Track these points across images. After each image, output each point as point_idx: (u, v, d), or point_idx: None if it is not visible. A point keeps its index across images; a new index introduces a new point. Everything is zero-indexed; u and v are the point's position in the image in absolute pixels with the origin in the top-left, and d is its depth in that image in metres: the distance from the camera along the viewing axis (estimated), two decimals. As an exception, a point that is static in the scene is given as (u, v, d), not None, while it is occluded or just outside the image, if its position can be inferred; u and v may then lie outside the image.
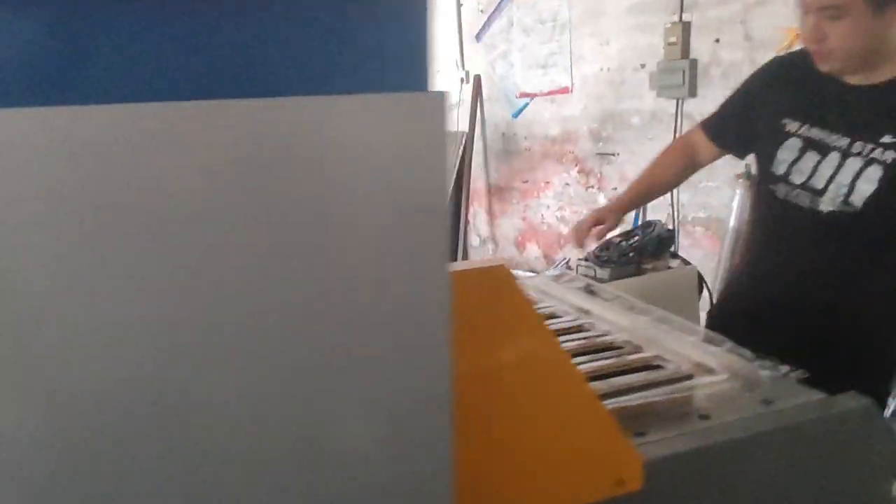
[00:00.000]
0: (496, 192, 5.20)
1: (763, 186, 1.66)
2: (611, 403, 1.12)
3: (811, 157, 1.55)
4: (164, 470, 0.64)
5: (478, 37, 5.04)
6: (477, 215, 5.45)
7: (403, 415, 0.76)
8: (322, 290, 0.69)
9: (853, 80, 1.53)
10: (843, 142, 1.52)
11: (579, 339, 1.39)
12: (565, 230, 4.57)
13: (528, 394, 0.93)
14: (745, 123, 1.73)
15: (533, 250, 5.05)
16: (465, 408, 0.88)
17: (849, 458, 1.17)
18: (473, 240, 5.58)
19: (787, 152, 1.58)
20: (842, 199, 1.50)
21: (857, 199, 1.49)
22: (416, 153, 0.72)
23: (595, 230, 1.82)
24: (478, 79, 5.09)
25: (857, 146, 1.51)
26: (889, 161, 1.44)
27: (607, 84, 4.03)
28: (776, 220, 1.62)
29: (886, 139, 1.47)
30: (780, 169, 1.59)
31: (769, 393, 1.21)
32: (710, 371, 1.24)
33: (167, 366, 0.63)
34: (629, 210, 1.95)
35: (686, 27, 3.57)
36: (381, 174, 0.71)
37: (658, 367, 1.24)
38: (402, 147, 0.71)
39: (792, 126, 1.59)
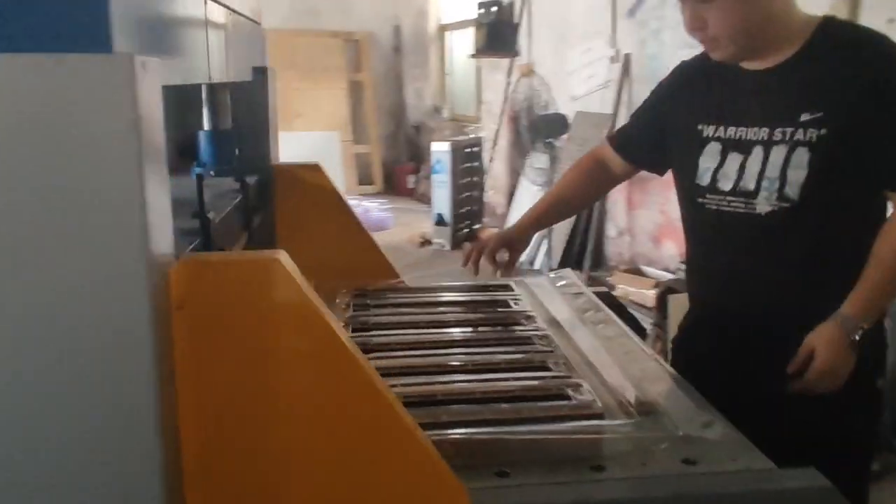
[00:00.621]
0: (636, 180, 4.82)
1: (692, 201, 1.45)
2: (491, 432, 0.97)
3: (734, 159, 1.38)
4: None
5: (631, 12, 4.70)
6: (616, 204, 5.13)
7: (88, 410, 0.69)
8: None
9: (754, 66, 1.36)
10: (763, 133, 1.34)
11: (517, 352, 1.22)
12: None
13: (306, 400, 0.81)
14: (656, 136, 1.55)
15: (669, 247, 4.66)
16: (225, 406, 0.79)
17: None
18: (610, 230, 5.27)
19: (708, 159, 1.41)
20: (776, 194, 1.32)
21: (792, 190, 1.30)
22: (92, 119, 0.63)
23: (498, 257, 1.59)
24: (627, 58, 4.75)
25: (778, 133, 1.32)
26: (814, 139, 1.27)
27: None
28: (714, 232, 1.42)
29: (805, 117, 1.28)
30: (704, 179, 1.41)
31: (698, 451, 0.98)
32: (633, 413, 1.03)
33: None
34: (537, 230, 1.70)
35: (854, 3, 3.08)
36: (50, 139, 0.63)
37: (568, 397, 1.05)
38: (73, 111, 0.63)
39: (708, 130, 1.42)
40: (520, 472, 0.94)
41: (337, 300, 1.47)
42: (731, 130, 1.39)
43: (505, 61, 6.32)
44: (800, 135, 1.29)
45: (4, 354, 0.66)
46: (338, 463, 0.83)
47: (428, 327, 1.33)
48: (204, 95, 1.53)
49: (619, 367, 1.16)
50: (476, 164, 6.48)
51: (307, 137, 8.44)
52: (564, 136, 5.40)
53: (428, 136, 8.04)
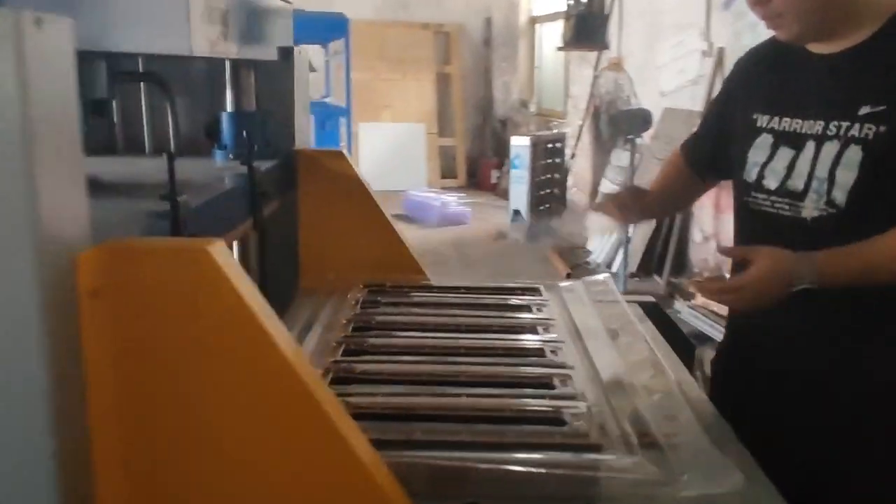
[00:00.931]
0: (725, 182, 4.54)
1: (739, 200, 1.32)
2: (463, 458, 0.85)
3: (784, 155, 1.23)
4: None
5: (726, 4, 4.40)
6: (703, 207, 4.84)
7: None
8: None
9: (822, 48, 1.20)
10: (818, 126, 1.20)
11: (521, 364, 1.10)
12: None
13: (231, 403, 0.72)
14: (720, 136, 1.39)
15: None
16: (145, 400, 0.71)
17: None
18: (696, 234, 4.97)
19: (757, 153, 1.27)
20: (824, 198, 1.17)
21: (839, 194, 1.15)
22: None
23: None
24: (720, 52, 4.46)
25: (832, 127, 1.17)
26: (870, 136, 1.11)
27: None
28: (758, 238, 1.25)
29: (864, 110, 1.13)
30: (751, 174, 1.27)
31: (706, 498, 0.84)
32: (635, 448, 0.89)
33: None
34: (651, 211, 1.58)
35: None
36: None
37: (563, 422, 0.91)
38: None
39: (762, 120, 1.28)
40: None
41: (349, 295, 1.39)
42: (786, 122, 1.25)
43: (593, 54, 6.10)
44: (855, 130, 1.14)
45: None
46: (264, 471, 0.74)
47: (434, 330, 1.22)
48: (227, 75, 1.48)
49: (634, 391, 1.01)
50: (558, 160, 6.30)
51: (393, 128, 8.47)
52: (648, 133, 5.14)
53: (514, 130, 7.89)
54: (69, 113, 0.64)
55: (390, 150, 8.41)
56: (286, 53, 1.47)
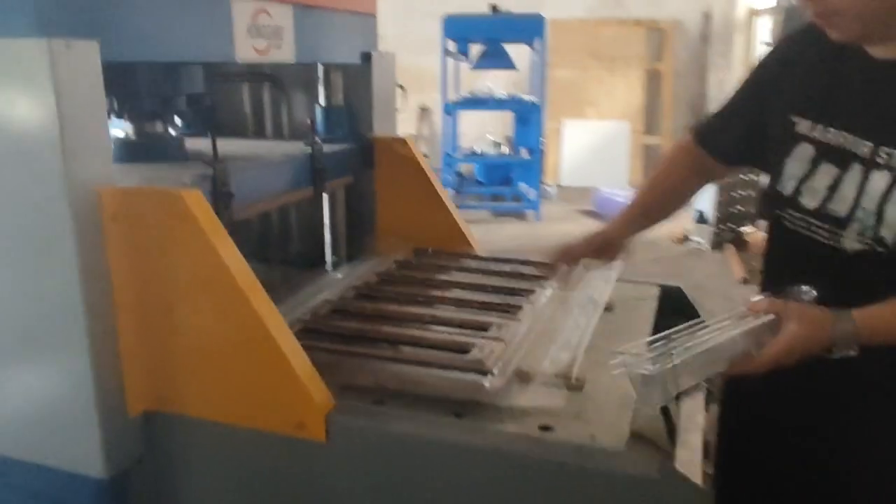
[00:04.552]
0: None
1: (771, 213, 1.20)
2: (379, 365, 1.12)
3: (827, 172, 1.10)
4: None
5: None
6: None
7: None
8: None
9: (882, 52, 1.04)
10: (866, 147, 1.06)
11: (479, 314, 1.32)
12: None
13: (203, 314, 1.05)
14: (749, 126, 1.26)
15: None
16: (145, 310, 1.07)
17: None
18: None
19: (795, 164, 1.14)
20: (871, 232, 1.04)
21: (889, 234, 1.03)
22: (18, 94, 0.95)
23: (585, 261, 1.40)
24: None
25: (883, 153, 1.04)
26: None
27: None
28: (788, 260, 1.14)
29: None
30: (787, 187, 1.15)
31: (560, 424, 1.02)
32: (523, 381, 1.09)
33: None
34: (635, 230, 1.44)
35: None
36: None
37: (465, 351, 1.13)
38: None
39: (802, 126, 1.14)
40: (395, 403, 1.08)
41: (393, 256, 1.68)
42: (831, 133, 1.11)
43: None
44: None
45: None
46: (224, 361, 1.06)
47: (427, 289, 1.48)
48: (320, 75, 1.86)
49: (570, 350, 1.19)
50: (757, 160, 5.98)
51: (597, 126, 8.54)
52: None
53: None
54: (97, 109, 1.01)
55: (593, 148, 8.49)
56: (367, 57, 1.79)
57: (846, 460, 1.18)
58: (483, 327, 1.24)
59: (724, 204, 5.64)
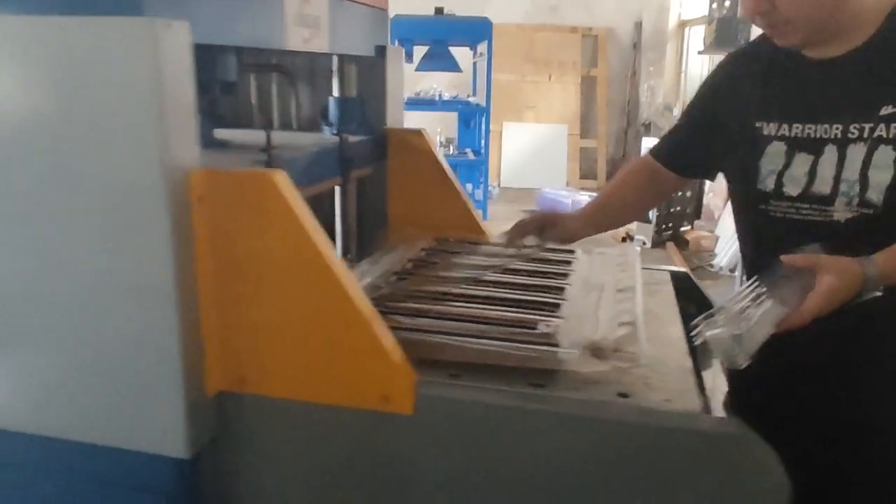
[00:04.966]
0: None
1: (752, 208, 1.31)
2: (453, 340, 1.16)
3: (803, 161, 1.24)
4: None
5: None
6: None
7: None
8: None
9: (818, 54, 1.23)
10: (836, 130, 1.21)
11: (524, 294, 1.38)
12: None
13: (288, 293, 1.07)
14: (706, 137, 1.42)
15: None
16: (227, 291, 1.08)
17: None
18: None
19: (770, 161, 1.27)
20: (857, 199, 1.18)
21: (875, 195, 1.16)
22: (120, 74, 0.95)
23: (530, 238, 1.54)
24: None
25: (854, 129, 1.19)
26: None
27: None
28: (781, 243, 1.20)
29: (887, 110, 1.15)
30: (768, 183, 1.27)
31: (636, 388, 1.09)
32: (589, 354, 1.15)
33: None
34: (587, 229, 1.58)
35: None
36: (89, 84, 0.96)
37: (532, 327, 1.19)
38: (103, 66, 0.95)
39: (768, 128, 1.28)
40: (469, 377, 1.12)
41: (418, 243, 1.72)
42: (797, 128, 1.25)
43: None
44: (881, 131, 1.16)
45: (63, 235, 1.01)
46: (308, 339, 1.08)
47: (468, 269, 1.53)
48: (334, 67, 1.87)
49: (617, 326, 1.26)
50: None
51: (536, 129, 8.75)
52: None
53: (657, 134, 7.90)
54: (188, 88, 1.01)
55: (532, 150, 8.69)
56: (381, 50, 1.82)
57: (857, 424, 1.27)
58: (538, 306, 1.30)
59: (664, 205, 5.89)
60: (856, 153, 1.19)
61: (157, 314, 1.02)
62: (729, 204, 5.94)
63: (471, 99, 6.95)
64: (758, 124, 1.29)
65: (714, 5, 6.02)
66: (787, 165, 1.25)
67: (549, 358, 1.11)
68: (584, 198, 7.15)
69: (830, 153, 1.21)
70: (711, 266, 5.40)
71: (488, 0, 8.07)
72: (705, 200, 6.56)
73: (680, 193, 6.19)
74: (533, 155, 8.66)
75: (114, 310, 1.04)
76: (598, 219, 1.62)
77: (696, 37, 7.78)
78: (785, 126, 1.26)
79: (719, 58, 6.09)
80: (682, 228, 6.03)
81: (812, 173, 1.23)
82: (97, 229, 1.02)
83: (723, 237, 5.62)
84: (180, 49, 0.99)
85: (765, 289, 1.12)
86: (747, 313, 1.06)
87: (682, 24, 8.24)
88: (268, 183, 1.04)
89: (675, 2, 8.29)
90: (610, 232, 6.27)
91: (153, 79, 0.95)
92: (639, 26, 8.72)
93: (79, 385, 1.09)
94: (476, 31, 6.47)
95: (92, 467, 1.11)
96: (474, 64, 7.14)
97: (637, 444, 1.01)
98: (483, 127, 6.77)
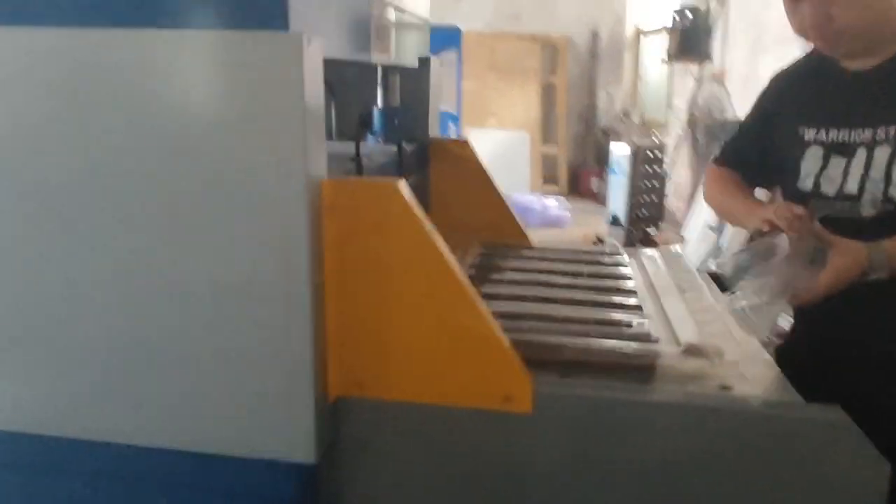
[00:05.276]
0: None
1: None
2: (560, 340, 1.22)
3: (837, 163, 1.38)
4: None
5: (830, 18, 4.53)
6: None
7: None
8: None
9: (856, 65, 1.38)
10: (867, 134, 1.35)
11: (600, 295, 1.44)
12: None
13: (413, 297, 1.11)
14: (764, 145, 1.56)
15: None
16: (349, 296, 1.11)
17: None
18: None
19: (810, 163, 1.42)
20: (881, 196, 1.32)
21: None
22: (267, 86, 0.97)
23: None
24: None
25: (881, 133, 1.33)
26: None
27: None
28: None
29: None
30: (807, 183, 1.41)
31: (736, 381, 1.16)
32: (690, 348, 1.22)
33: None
34: None
35: None
36: (238, 96, 0.98)
37: (628, 325, 1.26)
38: (247, 79, 0.97)
39: (809, 134, 1.43)
40: (577, 375, 1.18)
41: (469, 250, 1.77)
42: (833, 133, 1.40)
43: (696, 66, 6.28)
44: None
45: (202, 243, 1.03)
46: (430, 341, 1.12)
47: (538, 274, 1.59)
48: (378, 78, 1.91)
49: (693, 323, 1.33)
50: (657, 168, 6.49)
51: (499, 135, 8.86)
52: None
53: (616, 140, 8.13)
54: (320, 101, 1.04)
55: (495, 156, 8.79)
56: (424, 62, 1.87)
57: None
58: (620, 306, 1.37)
59: (634, 208, 6.08)
60: (882, 154, 1.32)
61: (293, 319, 1.05)
62: (693, 206, 6.19)
63: (441, 107, 7.01)
64: (800, 131, 1.44)
65: (677, 18, 6.23)
66: (823, 167, 1.39)
67: (651, 354, 1.18)
68: (553, 202, 7.30)
69: (860, 155, 1.35)
70: (682, 267, 5.60)
71: (452, 8, 8.16)
72: (666, 203, 6.77)
73: (646, 197, 6.40)
74: (496, 160, 8.73)
75: (249, 316, 1.06)
76: None
77: (653, 45, 8.03)
78: (823, 132, 1.40)
79: (680, 65, 6.25)
80: (649, 230, 6.22)
81: (845, 174, 1.36)
82: (237, 237, 1.04)
83: (690, 240, 5.82)
84: (318, 63, 1.02)
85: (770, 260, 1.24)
86: (767, 286, 1.17)
87: (639, 33, 8.49)
88: (393, 192, 1.08)
89: (630, 12, 8.53)
90: (580, 237, 6.44)
91: (298, 92, 0.98)
92: (595, 36, 8.94)
93: (208, 395, 1.10)
94: (446, 39, 6.54)
95: (212, 480, 1.12)
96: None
97: (746, 433, 1.08)
98: (455, 135, 6.84)
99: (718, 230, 4.84)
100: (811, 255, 1.23)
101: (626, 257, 1.77)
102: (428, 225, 1.10)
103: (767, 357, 1.29)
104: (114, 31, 0.99)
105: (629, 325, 1.26)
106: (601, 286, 1.51)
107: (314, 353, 1.06)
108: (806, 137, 1.43)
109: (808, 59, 1.49)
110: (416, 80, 1.89)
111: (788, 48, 5.03)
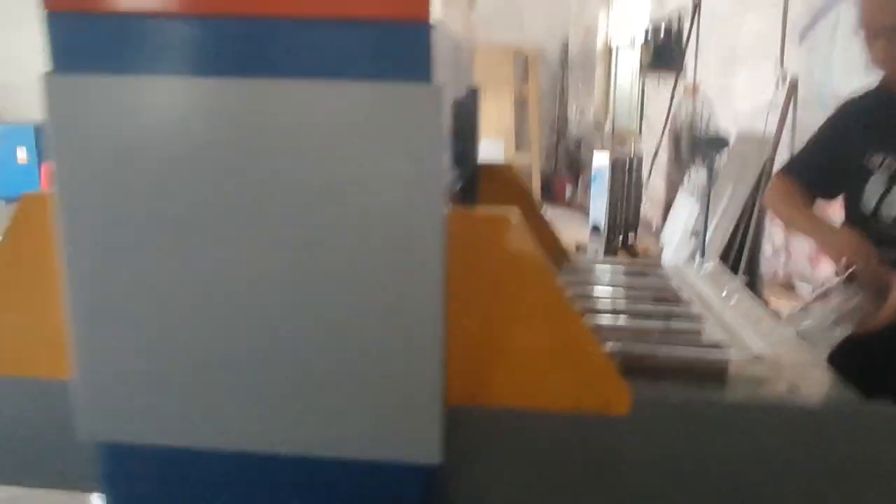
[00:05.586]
0: (795, 201, 4.92)
1: (857, 227, 1.62)
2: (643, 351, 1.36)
3: None
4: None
5: (801, 36, 4.80)
6: (774, 222, 5.22)
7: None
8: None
9: None
10: None
11: (662, 310, 1.60)
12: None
13: (524, 316, 1.24)
14: (832, 163, 1.74)
15: (826, 270, 4.71)
16: (464, 314, 1.24)
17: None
18: (766, 249, 5.35)
19: (874, 187, 1.60)
20: None
21: None
22: (412, 133, 1.09)
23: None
24: (794, 82, 4.86)
25: None
26: None
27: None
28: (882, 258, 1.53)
29: None
30: (869, 205, 1.60)
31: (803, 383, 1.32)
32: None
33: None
34: None
35: None
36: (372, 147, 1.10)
37: (699, 333, 1.42)
38: (390, 127, 1.09)
39: (875, 161, 1.60)
40: (660, 381, 1.32)
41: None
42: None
43: (669, 77, 6.54)
44: None
45: (348, 274, 1.15)
46: (539, 354, 1.25)
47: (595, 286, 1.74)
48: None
49: (752, 330, 1.50)
50: (634, 177, 6.73)
51: (473, 145, 9.05)
52: (723, 155, 5.56)
53: (588, 149, 8.37)
54: (447, 144, 1.17)
55: (470, 166, 8.97)
56: (473, 92, 2.00)
57: None
58: (686, 315, 1.52)
59: (613, 216, 6.30)
60: None
61: (428, 337, 1.17)
62: (671, 214, 6.44)
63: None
64: (867, 158, 1.61)
65: (650, 35, 6.50)
66: (886, 192, 1.57)
67: (724, 360, 1.34)
68: (531, 211, 7.49)
69: None
70: (662, 273, 5.83)
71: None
72: (642, 211, 7.02)
73: (623, 205, 6.63)
74: (472, 170, 8.93)
75: (390, 338, 1.18)
76: None
77: (624, 56, 8.30)
78: (889, 160, 1.58)
79: (655, 76, 6.46)
80: (629, 237, 6.45)
81: None
82: (381, 269, 1.16)
83: (667, 247, 6.06)
84: (448, 110, 1.15)
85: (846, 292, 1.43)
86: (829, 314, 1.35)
87: (609, 46, 8.76)
88: (507, 223, 1.22)
89: (602, 25, 8.80)
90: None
91: (438, 138, 1.10)
92: (566, 47, 9.20)
93: (343, 401, 1.21)
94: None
95: (345, 484, 1.24)
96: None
97: (824, 429, 1.24)
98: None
99: (700, 237, 5.08)
100: (880, 291, 1.42)
101: (666, 269, 1.93)
102: (536, 247, 1.24)
103: (824, 361, 1.46)
104: (271, 80, 1.10)
105: (698, 333, 1.41)
106: (658, 297, 1.67)
107: (442, 361, 1.19)
108: (872, 164, 1.60)
109: (879, 90, 1.65)
110: (467, 107, 2.02)
111: (760, 65, 5.32)
